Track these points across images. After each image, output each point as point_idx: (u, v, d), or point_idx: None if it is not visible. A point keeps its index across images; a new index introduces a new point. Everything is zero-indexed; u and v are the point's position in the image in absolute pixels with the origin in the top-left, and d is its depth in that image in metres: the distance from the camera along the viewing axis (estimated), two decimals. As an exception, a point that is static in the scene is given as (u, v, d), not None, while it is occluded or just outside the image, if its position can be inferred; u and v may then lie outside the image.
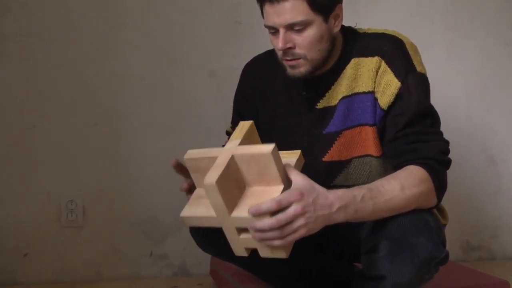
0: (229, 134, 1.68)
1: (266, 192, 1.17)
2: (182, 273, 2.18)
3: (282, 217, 1.13)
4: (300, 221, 1.15)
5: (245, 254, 1.23)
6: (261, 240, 1.15)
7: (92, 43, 2.13)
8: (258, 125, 1.59)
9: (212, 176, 1.12)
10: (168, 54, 2.17)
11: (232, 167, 1.17)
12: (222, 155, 1.19)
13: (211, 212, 1.18)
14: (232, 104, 1.69)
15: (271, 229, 1.13)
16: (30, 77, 2.09)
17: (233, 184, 1.17)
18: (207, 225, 1.22)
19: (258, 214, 1.12)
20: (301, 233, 1.16)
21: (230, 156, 1.18)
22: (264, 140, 1.59)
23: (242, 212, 1.15)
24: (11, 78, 2.08)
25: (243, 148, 1.20)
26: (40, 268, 2.09)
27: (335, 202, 1.20)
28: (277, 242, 1.15)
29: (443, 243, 1.33)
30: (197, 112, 2.19)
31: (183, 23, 2.18)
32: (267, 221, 1.12)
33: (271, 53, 1.54)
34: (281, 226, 1.13)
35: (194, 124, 2.18)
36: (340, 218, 1.22)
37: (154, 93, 2.17)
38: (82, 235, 2.13)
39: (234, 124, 1.65)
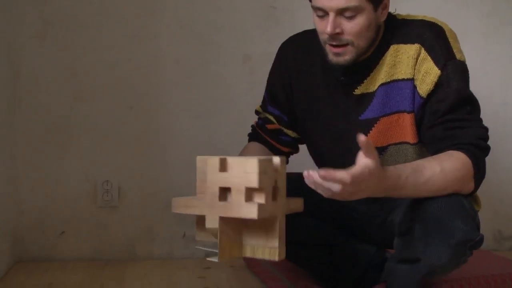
0: (258, 113, 1.70)
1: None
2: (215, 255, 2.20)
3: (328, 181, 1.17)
4: (341, 193, 1.18)
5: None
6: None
7: (128, 28, 2.15)
8: (292, 107, 1.61)
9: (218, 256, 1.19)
10: (202, 38, 2.19)
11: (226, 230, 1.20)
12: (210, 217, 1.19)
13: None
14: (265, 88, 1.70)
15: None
16: (69, 60, 2.13)
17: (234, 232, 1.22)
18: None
19: (331, 179, 1.15)
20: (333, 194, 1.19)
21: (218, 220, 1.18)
22: (298, 125, 1.61)
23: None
24: (50, 61, 2.12)
25: (230, 207, 1.18)
26: (76, 246, 2.15)
27: (382, 191, 1.23)
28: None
29: (477, 226, 1.33)
30: (230, 96, 2.21)
31: (219, 8, 2.19)
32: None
33: (309, 33, 1.54)
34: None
35: (227, 108, 2.20)
36: (381, 195, 1.26)
37: (189, 77, 2.19)
38: (117, 215, 2.17)
39: (265, 104, 1.66)
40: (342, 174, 1.14)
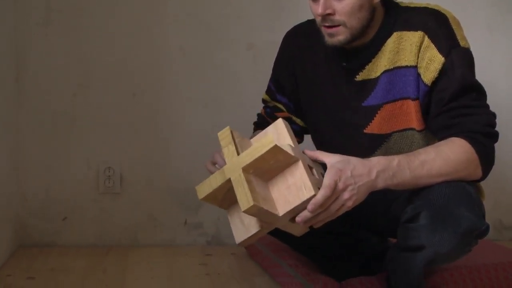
0: (265, 102, 1.70)
1: (288, 174, 1.21)
2: (216, 242, 2.22)
3: (328, 200, 1.19)
4: (345, 195, 1.21)
5: (306, 230, 1.27)
6: (317, 224, 1.22)
7: (133, 16, 2.15)
8: (298, 95, 1.61)
9: (244, 204, 1.13)
10: (207, 26, 2.19)
11: (256, 173, 1.19)
12: (233, 172, 1.17)
13: (263, 224, 1.20)
14: (269, 77, 1.71)
15: (321, 211, 1.19)
16: (73, 47, 2.13)
17: (262, 188, 1.20)
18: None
19: (318, 207, 1.17)
20: (348, 205, 1.22)
21: (240, 171, 1.16)
22: (302, 110, 1.61)
23: (286, 207, 1.18)
24: (54, 48, 2.12)
25: (249, 153, 1.18)
26: (78, 232, 2.16)
27: (373, 169, 1.24)
28: (328, 219, 1.22)
29: (483, 215, 1.34)
30: (234, 84, 2.21)
31: (223, -4, 2.19)
32: (314, 211, 1.18)
33: (312, 22, 1.54)
34: (329, 205, 1.20)
35: (231, 96, 2.20)
36: (380, 184, 1.25)
37: (193, 64, 2.19)
38: (119, 202, 2.18)
39: (273, 93, 1.66)
40: (319, 195, 1.17)
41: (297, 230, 1.26)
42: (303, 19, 1.64)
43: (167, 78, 2.18)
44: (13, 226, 2.07)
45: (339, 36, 1.39)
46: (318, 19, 1.40)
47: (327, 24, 1.39)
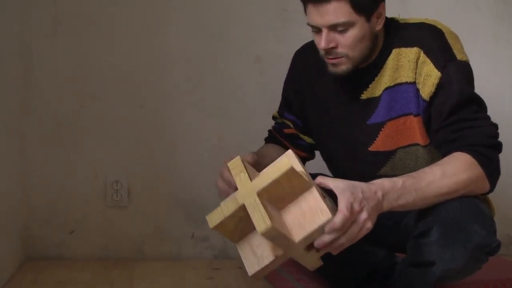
0: (275, 118, 1.71)
1: (302, 201, 1.18)
2: (223, 256, 2.21)
3: (347, 223, 1.16)
4: (363, 216, 1.18)
5: (319, 264, 1.24)
6: (336, 249, 1.18)
7: (139, 27, 2.16)
8: (305, 113, 1.62)
9: (262, 226, 1.09)
10: (214, 38, 2.20)
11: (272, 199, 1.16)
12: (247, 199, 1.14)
13: (278, 252, 1.16)
14: (276, 90, 1.72)
15: (340, 234, 1.16)
16: (79, 59, 2.14)
17: (276, 215, 1.16)
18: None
19: (337, 230, 1.14)
20: (368, 226, 1.19)
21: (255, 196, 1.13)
22: (311, 131, 1.61)
23: (302, 233, 1.15)
24: (61, 59, 2.13)
25: (263, 178, 1.15)
26: (85, 245, 2.15)
27: (378, 190, 1.23)
28: (349, 244, 1.19)
29: (495, 232, 1.33)
30: (241, 96, 2.21)
31: (230, 8, 2.20)
32: (332, 234, 1.15)
33: None
34: (347, 229, 1.16)
35: (238, 108, 2.21)
36: (385, 205, 1.24)
37: (199, 76, 2.20)
38: (127, 215, 2.18)
39: (282, 110, 1.67)
40: (337, 218, 1.14)
41: (312, 262, 1.23)
42: (309, 32, 1.65)
43: (175, 90, 2.18)
44: (20, 240, 2.07)
45: (342, 66, 1.41)
46: (322, 52, 1.42)
47: (330, 57, 1.41)
